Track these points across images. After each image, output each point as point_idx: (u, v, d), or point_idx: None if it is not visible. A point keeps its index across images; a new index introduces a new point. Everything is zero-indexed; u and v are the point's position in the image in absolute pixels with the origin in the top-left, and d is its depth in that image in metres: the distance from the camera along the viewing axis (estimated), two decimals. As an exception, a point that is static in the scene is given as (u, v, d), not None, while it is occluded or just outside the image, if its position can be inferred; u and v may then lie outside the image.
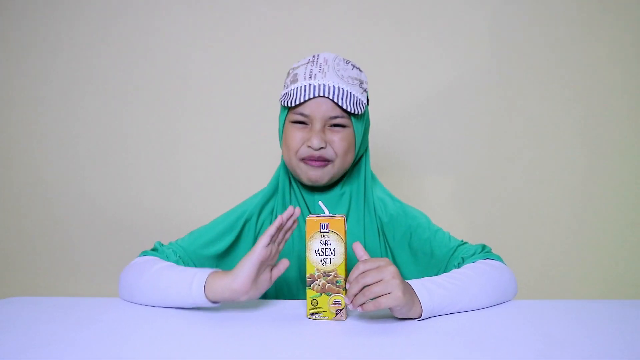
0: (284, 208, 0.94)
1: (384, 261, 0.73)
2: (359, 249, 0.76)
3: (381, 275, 0.70)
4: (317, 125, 0.89)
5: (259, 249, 0.75)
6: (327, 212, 0.78)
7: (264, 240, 0.75)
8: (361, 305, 0.70)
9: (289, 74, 0.95)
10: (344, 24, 1.53)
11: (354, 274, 0.72)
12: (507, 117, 1.53)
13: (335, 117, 0.89)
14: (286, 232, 0.79)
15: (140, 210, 1.58)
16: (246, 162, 1.54)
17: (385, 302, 0.69)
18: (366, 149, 0.99)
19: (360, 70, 0.94)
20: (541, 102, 1.52)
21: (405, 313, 0.73)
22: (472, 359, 0.60)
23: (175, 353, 0.62)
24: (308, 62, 0.92)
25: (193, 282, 0.77)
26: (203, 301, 0.76)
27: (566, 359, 0.60)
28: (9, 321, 0.74)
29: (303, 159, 0.90)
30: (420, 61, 1.53)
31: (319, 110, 0.89)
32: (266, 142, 1.44)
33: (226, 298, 0.75)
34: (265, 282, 0.78)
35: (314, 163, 0.89)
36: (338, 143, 0.90)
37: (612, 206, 1.53)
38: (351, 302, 0.71)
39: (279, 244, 0.79)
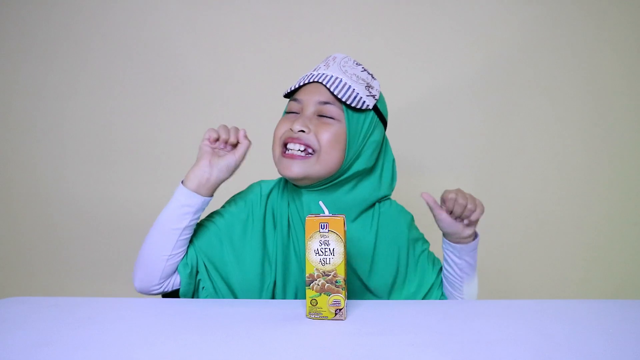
0: (280, 201, 0.94)
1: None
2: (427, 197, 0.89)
3: (476, 202, 0.86)
4: (307, 111, 0.86)
5: (203, 144, 0.88)
6: (326, 212, 0.78)
7: (208, 134, 0.87)
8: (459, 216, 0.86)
9: None
10: (344, 23, 1.53)
11: (459, 193, 0.85)
12: (507, 117, 1.53)
13: (326, 103, 0.86)
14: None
15: (140, 210, 1.57)
16: (247, 163, 1.54)
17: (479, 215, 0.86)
18: (393, 162, 0.95)
19: (372, 77, 0.90)
20: (543, 102, 1.52)
21: (466, 232, 0.87)
22: (472, 359, 0.60)
23: (175, 353, 0.62)
24: (320, 63, 0.92)
25: (176, 192, 0.87)
26: (191, 196, 0.86)
27: (566, 359, 0.60)
28: (9, 321, 0.74)
29: (285, 145, 0.86)
30: (421, 61, 1.53)
31: (310, 95, 0.86)
32: (269, 141, 1.44)
33: (200, 182, 0.86)
34: (227, 160, 0.88)
35: (295, 155, 0.84)
36: (323, 134, 0.84)
37: (613, 206, 1.53)
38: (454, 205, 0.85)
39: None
